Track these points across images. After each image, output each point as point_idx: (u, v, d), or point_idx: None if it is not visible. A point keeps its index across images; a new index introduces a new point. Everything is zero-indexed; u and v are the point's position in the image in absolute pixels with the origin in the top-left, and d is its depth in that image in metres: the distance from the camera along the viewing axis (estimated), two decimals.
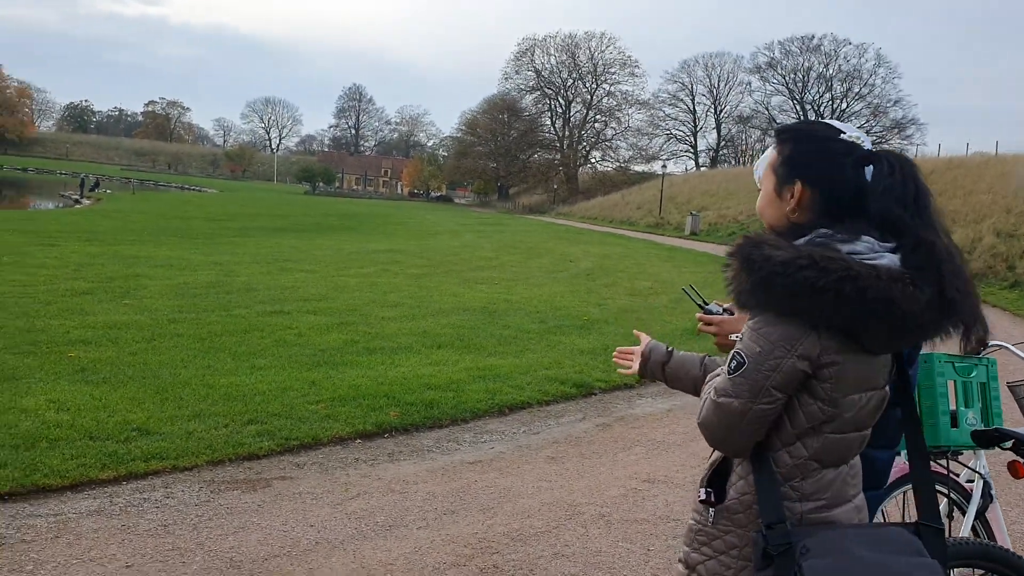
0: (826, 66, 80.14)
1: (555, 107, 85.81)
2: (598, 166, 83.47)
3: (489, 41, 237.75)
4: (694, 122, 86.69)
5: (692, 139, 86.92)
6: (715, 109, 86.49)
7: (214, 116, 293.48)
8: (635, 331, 2.54)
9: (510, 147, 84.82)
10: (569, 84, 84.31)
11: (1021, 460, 2.95)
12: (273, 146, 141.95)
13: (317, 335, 9.36)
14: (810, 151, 1.89)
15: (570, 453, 5.93)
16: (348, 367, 7.83)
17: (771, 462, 1.83)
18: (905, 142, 75.96)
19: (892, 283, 1.68)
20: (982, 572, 2.89)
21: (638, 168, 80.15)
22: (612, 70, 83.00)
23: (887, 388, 1.87)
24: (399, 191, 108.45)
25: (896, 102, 77.79)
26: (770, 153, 2.00)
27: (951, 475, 3.13)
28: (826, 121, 1.97)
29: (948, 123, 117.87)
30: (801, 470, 1.82)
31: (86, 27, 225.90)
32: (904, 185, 1.77)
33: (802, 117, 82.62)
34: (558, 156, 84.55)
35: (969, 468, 3.22)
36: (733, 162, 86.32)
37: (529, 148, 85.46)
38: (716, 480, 1.95)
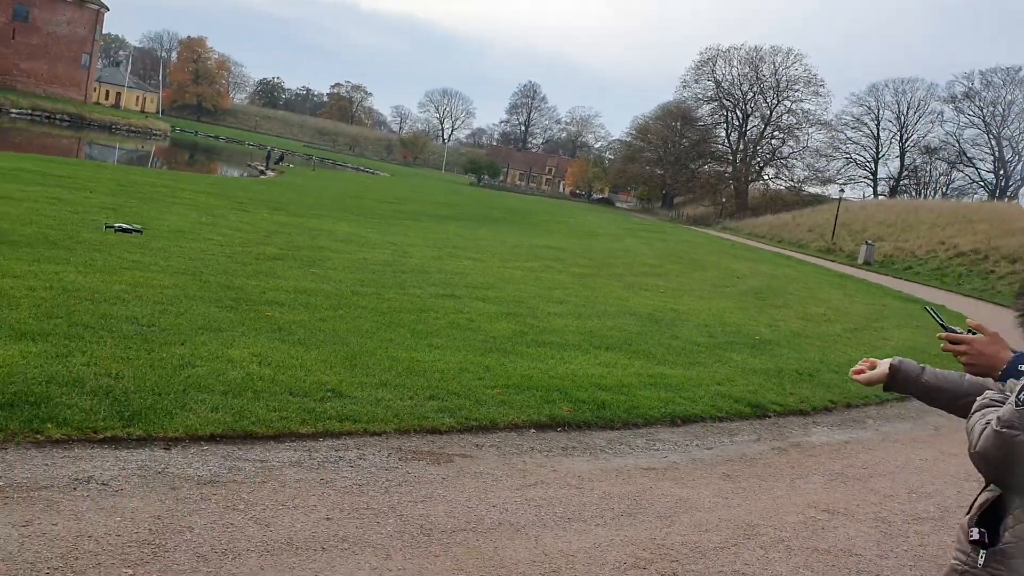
0: None
1: (731, 119, 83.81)
2: (770, 183, 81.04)
3: (670, 48, 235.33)
4: (876, 148, 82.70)
5: (872, 165, 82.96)
6: (901, 137, 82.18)
7: (393, 103, 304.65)
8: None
9: (680, 155, 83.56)
10: (749, 97, 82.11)
11: None
12: (445, 136, 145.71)
13: (487, 322, 9.55)
14: None
15: (746, 473, 5.80)
16: (519, 357, 7.95)
17: None
18: None
19: None
20: None
21: (812, 190, 77.26)
22: (796, 87, 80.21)
23: None
24: (561, 190, 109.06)
25: None
26: None
27: None
28: None
29: None
30: None
31: (285, 6, 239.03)
32: None
33: (997, 153, 77.49)
34: (729, 169, 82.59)
35: None
36: (914, 193, 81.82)
37: (700, 158, 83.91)
38: (987, 520, 1.86)
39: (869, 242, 41.30)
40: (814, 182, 79.32)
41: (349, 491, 4.29)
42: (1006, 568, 1.79)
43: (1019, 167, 75.41)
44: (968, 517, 1.93)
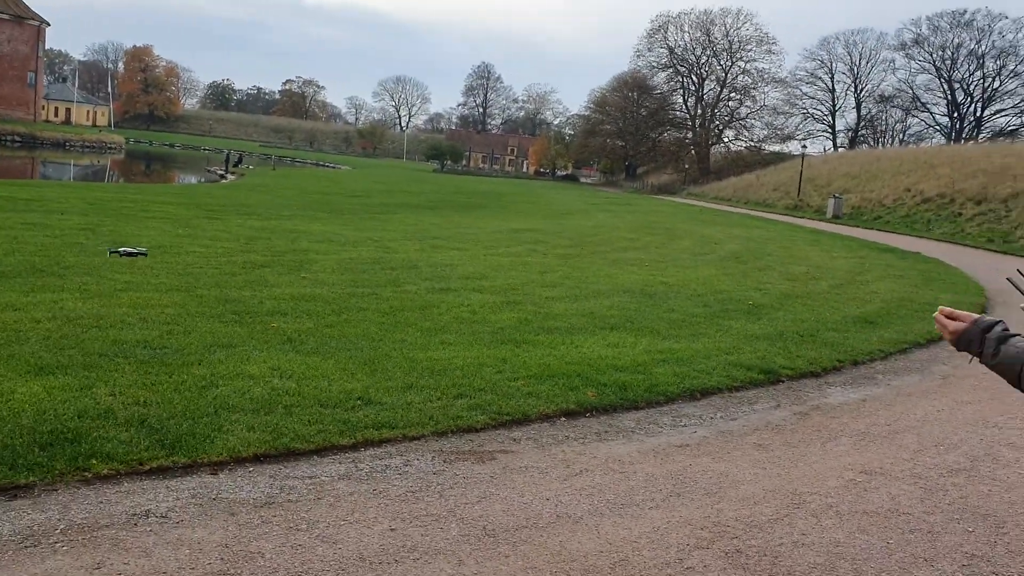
0: (978, 42, 75.62)
1: (687, 85, 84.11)
2: (731, 145, 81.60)
3: (620, 18, 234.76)
4: (832, 101, 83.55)
5: (830, 118, 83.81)
6: (855, 88, 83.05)
7: (347, 94, 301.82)
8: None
9: (639, 125, 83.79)
10: (703, 61, 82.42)
11: None
12: (402, 124, 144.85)
13: (490, 313, 9.55)
14: None
15: (776, 441, 5.87)
16: (530, 346, 7.96)
17: None
18: None
19: None
20: None
21: (773, 148, 77.85)
22: (748, 47, 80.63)
23: None
24: (524, 169, 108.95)
25: None
26: None
27: None
28: None
29: None
30: None
31: (228, 7, 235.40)
32: None
33: (950, 97, 78.49)
34: (689, 135, 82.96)
35: None
36: (872, 143, 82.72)
37: (659, 127, 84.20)
38: None
39: (836, 195, 41.75)
40: (774, 140, 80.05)
41: (404, 499, 4.28)
42: None
43: None
44: None
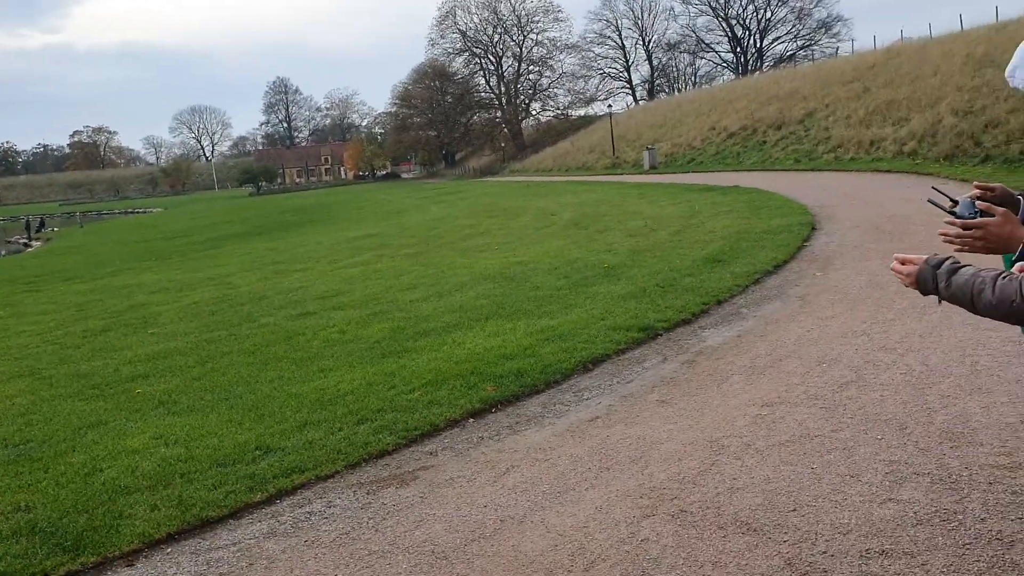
0: None
1: (486, 65, 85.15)
2: (540, 117, 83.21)
3: (409, 10, 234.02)
4: (625, 57, 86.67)
5: (626, 74, 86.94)
6: (643, 41, 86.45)
7: (143, 135, 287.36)
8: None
9: (448, 113, 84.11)
10: (496, 40, 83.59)
11: None
12: (207, 154, 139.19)
13: (360, 329, 9.31)
14: None
15: (675, 394, 6.01)
16: (413, 354, 7.82)
17: None
18: (834, 40, 76.67)
19: None
20: None
21: (580, 112, 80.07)
22: (536, 19, 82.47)
23: None
24: (343, 176, 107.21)
25: (818, 2, 78.34)
26: None
27: None
28: None
29: (873, 13, 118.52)
30: None
31: None
32: None
33: (730, 34, 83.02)
34: (499, 114, 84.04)
35: None
36: (669, 90, 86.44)
37: (468, 111, 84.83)
38: None
39: (649, 147, 43.37)
40: (579, 105, 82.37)
41: (341, 543, 4.08)
42: None
43: None
44: None
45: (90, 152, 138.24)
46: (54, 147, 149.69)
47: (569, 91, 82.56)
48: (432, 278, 12.80)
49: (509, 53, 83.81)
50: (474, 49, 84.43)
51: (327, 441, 5.46)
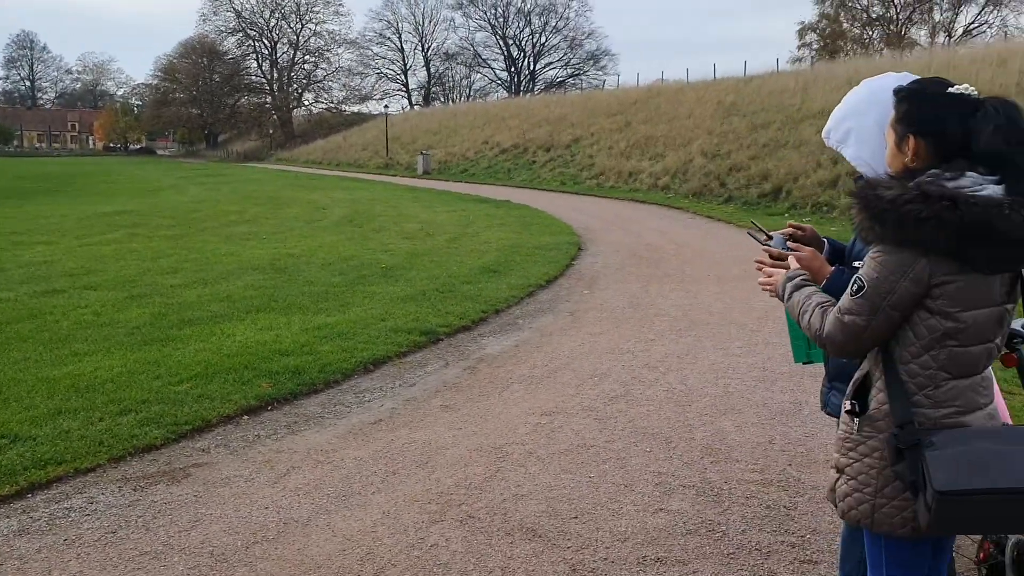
0: (523, 1, 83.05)
1: (260, 49, 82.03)
2: (312, 108, 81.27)
3: None
4: (403, 60, 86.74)
5: (403, 77, 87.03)
6: (423, 47, 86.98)
7: None
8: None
9: (215, 92, 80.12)
10: (273, 24, 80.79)
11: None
12: None
13: (116, 312, 8.64)
14: (921, 108, 2.15)
15: (459, 399, 6.07)
16: (178, 343, 7.35)
17: (901, 373, 2.13)
18: (600, 72, 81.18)
19: (989, 208, 1.95)
20: None
21: (354, 108, 79.08)
22: (316, 9, 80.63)
23: (1006, 305, 2.19)
24: (92, 146, 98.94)
25: (589, 34, 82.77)
26: (889, 112, 2.24)
27: None
28: (937, 78, 2.23)
29: (638, 52, 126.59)
30: (932, 380, 2.11)
31: None
32: (1010, 125, 2.06)
33: (505, 53, 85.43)
34: (269, 100, 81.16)
35: None
36: (444, 99, 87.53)
37: (236, 93, 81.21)
38: (859, 394, 2.25)
39: (424, 152, 43.61)
40: (353, 101, 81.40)
41: (107, 543, 3.75)
42: (873, 429, 2.18)
43: None
44: (847, 394, 2.30)
45: None
46: None
47: (345, 86, 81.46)
48: (195, 263, 12.11)
49: (285, 40, 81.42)
50: (248, 31, 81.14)
51: (86, 432, 5.00)
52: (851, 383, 2.28)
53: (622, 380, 6.52)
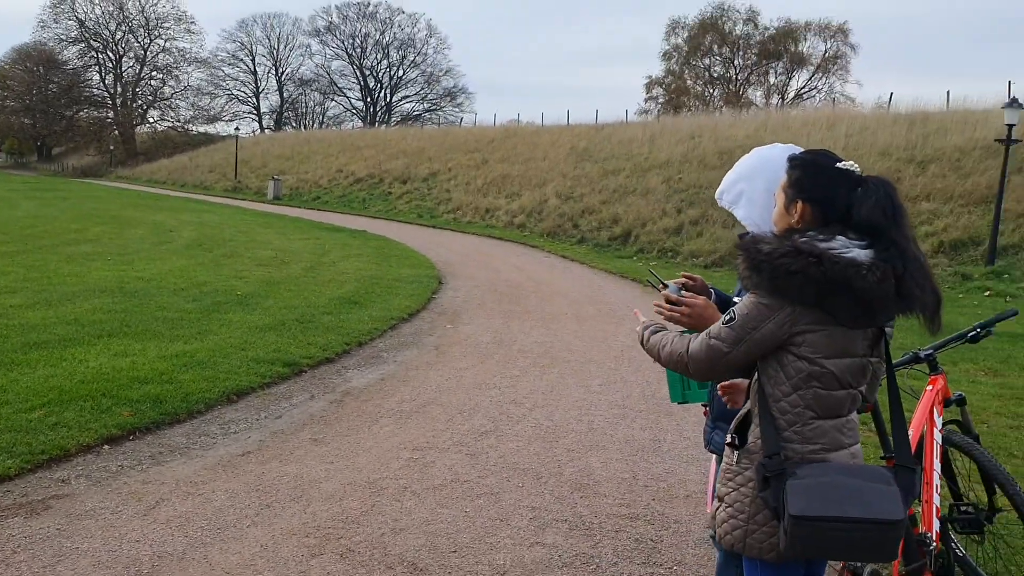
0: (382, 33, 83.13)
1: (104, 62, 78.17)
2: (157, 126, 77.99)
3: None
4: (256, 83, 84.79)
5: (255, 100, 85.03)
6: (276, 71, 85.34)
7: None
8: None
9: (51, 103, 75.69)
10: (119, 37, 77.23)
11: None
12: None
13: None
14: (813, 177, 2.43)
15: (328, 433, 6.04)
16: (24, 367, 6.96)
17: (773, 409, 2.39)
18: (457, 109, 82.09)
19: (848, 268, 2.23)
20: None
21: (201, 129, 76.52)
22: (166, 24, 77.71)
23: (870, 358, 2.48)
24: None
25: (447, 71, 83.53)
26: (777, 177, 2.51)
27: None
28: (825, 151, 2.51)
29: (493, 93, 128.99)
30: (800, 417, 2.37)
31: None
32: (887, 200, 2.37)
33: (362, 83, 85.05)
34: (111, 114, 77.33)
35: None
36: (296, 124, 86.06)
37: (75, 105, 76.95)
38: (740, 429, 2.49)
39: (276, 177, 42.77)
40: (201, 121, 78.79)
41: None
42: (750, 461, 2.42)
43: None
44: (731, 428, 2.54)
45: None
46: None
47: (193, 105, 78.66)
48: (37, 283, 11.44)
49: (132, 54, 77.95)
50: (92, 41, 77.20)
51: None
52: (735, 419, 2.53)
53: (491, 415, 6.66)
